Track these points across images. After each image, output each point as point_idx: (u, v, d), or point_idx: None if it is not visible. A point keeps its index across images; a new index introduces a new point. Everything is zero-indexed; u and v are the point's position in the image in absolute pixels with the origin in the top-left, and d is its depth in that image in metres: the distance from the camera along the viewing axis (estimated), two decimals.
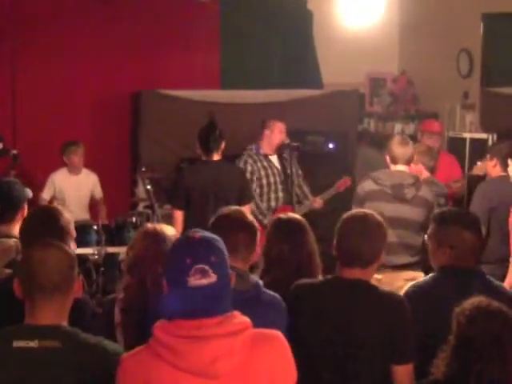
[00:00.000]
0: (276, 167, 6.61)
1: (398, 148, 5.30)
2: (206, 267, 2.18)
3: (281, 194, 6.57)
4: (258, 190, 6.43)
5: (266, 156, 6.59)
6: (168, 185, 6.52)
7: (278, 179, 6.55)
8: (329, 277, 3.24)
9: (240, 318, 2.25)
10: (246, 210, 5.86)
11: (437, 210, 3.60)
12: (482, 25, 7.95)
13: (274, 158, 6.64)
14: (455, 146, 7.60)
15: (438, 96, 8.68)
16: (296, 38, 8.80)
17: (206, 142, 5.89)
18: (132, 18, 8.23)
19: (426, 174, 5.84)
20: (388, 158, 5.36)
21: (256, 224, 3.22)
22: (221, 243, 2.28)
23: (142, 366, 2.24)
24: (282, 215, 3.69)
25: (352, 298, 3.09)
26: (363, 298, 3.09)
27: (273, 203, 6.52)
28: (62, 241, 3.20)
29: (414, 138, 7.80)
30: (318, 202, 6.65)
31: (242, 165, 6.45)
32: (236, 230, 3.08)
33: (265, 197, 6.50)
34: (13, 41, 7.88)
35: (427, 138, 6.98)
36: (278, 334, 2.32)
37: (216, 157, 5.92)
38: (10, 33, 7.86)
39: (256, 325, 2.49)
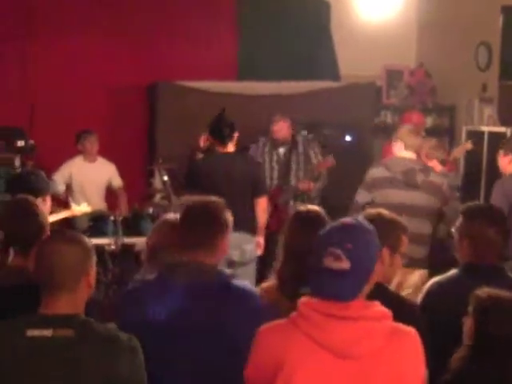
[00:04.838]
0: (278, 155, 6.96)
1: (411, 138, 5.38)
2: (339, 252, 2.22)
3: (275, 182, 6.92)
4: None
5: (271, 144, 6.98)
6: (182, 176, 6.52)
7: (275, 166, 6.94)
8: None
9: (382, 308, 2.30)
10: (261, 202, 6.00)
11: (467, 204, 3.58)
12: (501, 17, 7.87)
13: (282, 147, 6.99)
14: (473, 140, 7.54)
15: (455, 89, 8.62)
16: (313, 29, 8.77)
17: (219, 134, 5.90)
18: (149, 9, 8.22)
19: (439, 168, 5.86)
20: (398, 144, 5.38)
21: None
22: (371, 235, 2.32)
23: (280, 337, 2.29)
24: (301, 207, 3.67)
25: None
26: None
27: None
28: (39, 235, 3.21)
29: (428, 131, 7.81)
30: (302, 184, 6.90)
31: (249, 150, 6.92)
32: (208, 224, 2.97)
33: None
34: (29, 32, 7.90)
35: None
36: (413, 331, 2.33)
37: (230, 148, 5.93)
38: (25, 24, 7.89)
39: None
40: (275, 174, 6.91)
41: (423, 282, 4.67)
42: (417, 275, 4.90)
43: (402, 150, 5.38)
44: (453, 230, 3.51)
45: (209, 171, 5.85)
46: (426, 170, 5.31)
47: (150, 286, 2.96)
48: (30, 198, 3.53)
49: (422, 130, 7.18)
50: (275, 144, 6.96)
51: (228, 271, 3.05)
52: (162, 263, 3.04)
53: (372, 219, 3.08)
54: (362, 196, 5.29)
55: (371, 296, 2.74)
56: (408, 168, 5.22)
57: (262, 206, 6.02)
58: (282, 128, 6.91)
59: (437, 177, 5.33)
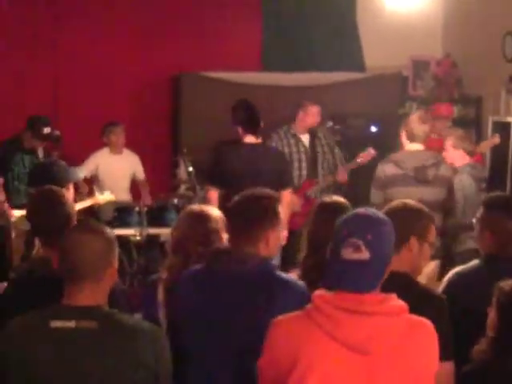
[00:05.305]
0: (304, 146, 6.79)
1: (418, 125, 5.23)
2: (360, 243, 2.19)
3: (304, 172, 6.76)
4: None
5: (294, 135, 6.77)
6: (206, 166, 6.53)
7: (303, 157, 6.76)
8: None
9: (398, 301, 2.26)
10: (286, 195, 5.96)
11: (489, 194, 3.55)
12: None
13: (305, 137, 6.81)
14: (499, 131, 7.48)
15: (482, 80, 8.53)
16: (339, 20, 8.72)
17: (250, 125, 5.85)
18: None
19: (466, 159, 5.78)
20: (405, 134, 5.28)
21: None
22: (388, 226, 2.29)
23: (295, 328, 2.26)
24: (326, 198, 3.66)
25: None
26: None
27: (295, 180, 6.54)
28: (67, 225, 3.21)
29: (454, 122, 7.75)
30: (341, 175, 6.75)
31: (268, 143, 6.58)
32: (251, 216, 2.94)
33: None
34: (54, 24, 7.94)
35: (436, 122, 6.91)
36: (429, 323, 2.31)
37: (258, 139, 5.91)
38: (51, 16, 7.93)
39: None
40: (303, 165, 6.80)
41: (435, 272, 4.66)
42: (431, 265, 4.86)
43: (409, 142, 5.27)
44: (473, 220, 3.48)
45: (234, 162, 5.82)
46: (437, 163, 5.18)
47: (196, 274, 2.96)
48: (56, 188, 3.54)
49: (449, 120, 7.13)
50: (297, 134, 6.79)
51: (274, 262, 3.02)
52: (210, 251, 3.02)
53: (398, 209, 3.05)
54: (376, 196, 5.20)
55: (396, 287, 2.73)
56: (420, 165, 5.11)
57: (287, 198, 5.98)
58: (314, 113, 6.75)
59: (447, 170, 5.23)
